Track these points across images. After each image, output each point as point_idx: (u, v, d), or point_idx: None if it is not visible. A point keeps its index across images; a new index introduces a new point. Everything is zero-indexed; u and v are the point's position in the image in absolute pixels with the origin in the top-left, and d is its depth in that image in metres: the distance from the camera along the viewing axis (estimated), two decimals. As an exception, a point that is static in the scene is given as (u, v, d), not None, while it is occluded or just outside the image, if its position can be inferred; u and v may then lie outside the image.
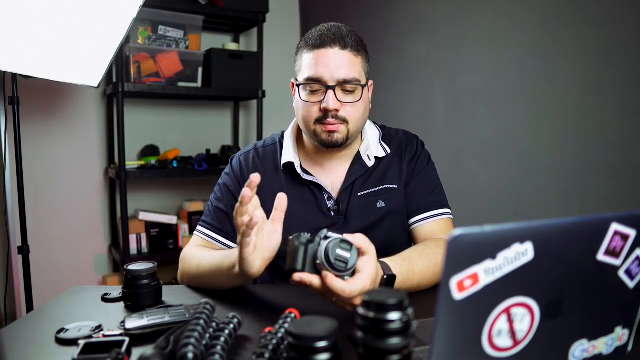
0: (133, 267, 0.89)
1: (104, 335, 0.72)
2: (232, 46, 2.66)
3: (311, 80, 1.01)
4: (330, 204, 1.10)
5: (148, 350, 0.59)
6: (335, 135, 1.03)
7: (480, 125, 1.95)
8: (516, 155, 1.81)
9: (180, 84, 2.44)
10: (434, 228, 1.09)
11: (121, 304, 0.90)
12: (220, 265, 0.90)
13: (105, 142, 2.56)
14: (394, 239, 1.11)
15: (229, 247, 1.09)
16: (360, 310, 0.53)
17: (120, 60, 2.28)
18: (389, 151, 1.13)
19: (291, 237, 0.76)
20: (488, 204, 1.92)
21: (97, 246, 2.58)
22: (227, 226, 1.09)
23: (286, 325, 0.66)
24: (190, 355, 0.58)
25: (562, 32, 1.63)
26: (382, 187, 1.11)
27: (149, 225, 2.46)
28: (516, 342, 0.48)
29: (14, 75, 1.78)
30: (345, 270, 0.72)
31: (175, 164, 2.46)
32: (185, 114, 2.75)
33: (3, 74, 1.81)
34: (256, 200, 0.79)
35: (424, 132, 1.31)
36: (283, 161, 1.11)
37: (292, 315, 0.69)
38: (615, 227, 0.50)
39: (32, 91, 2.23)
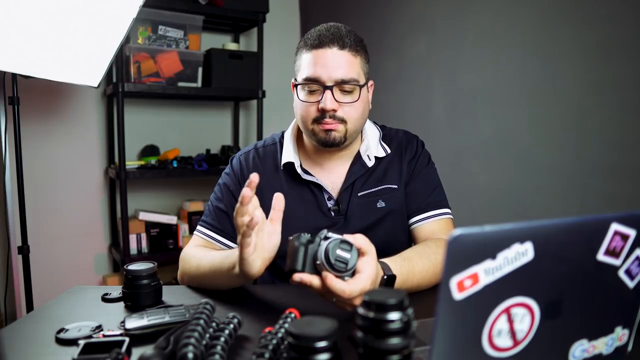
0: (133, 267, 0.89)
1: (104, 335, 0.72)
2: (232, 46, 2.66)
3: (309, 80, 1.01)
4: (330, 204, 1.10)
5: (148, 350, 0.59)
6: (333, 134, 1.03)
7: (480, 125, 1.95)
8: (516, 155, 1.81)
9: (180, 84, 2.44)
10: (434, 228, 1.09)
11: (121, 304, 0.90)
12: (221, 266, 0.90)
13: (105, 142, 2.56)
14: (394, 239, 1.11)
15: (229, 247, 1.09)
16: (360, 310, 0.53)
17: (120, 60, 2.28)
18: (389, 151, 1.13)
19: (291, 238, 0.76)
20: (488, 204, 1.92)
21: (97, 246, 2.58)
22: (227, 226, 1.09)
23: (286, 325, 0.66)
24: (190, 355, 0.58)
25: (562, 32, 1.63)
26: (382, 187, 1.11)
27: (149, 225, 2.46)
28: (516, 342, 0.48)
29: (14, 75, 1.78)
30: (345, 270, 0.72)
31: (175, 164, 2.46)
32: (185, 114, 2.75)
33: (3, 74, 1.81)
34: (255, 200, 0.79)
35: (424, 132, 1.31)
36: (283, 161, 1.11)
37: (292, 315, 0.69)
38: (615, 227, 0.50)
39: (32, 91, 2.23)
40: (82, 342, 0.67)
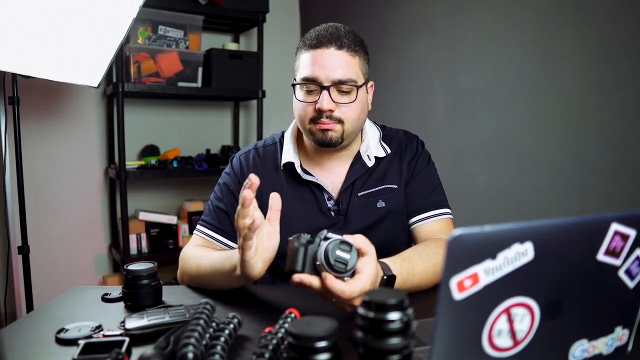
0: (133, 267, 0.89)
1: (104, 335, 0.72)
2: (232, 46, 2.66)
3: (307, 80, 1.01)
4: (330, 204, 1.10)
5: (148, 350, 0.59)
6: (330, 134, 1.03)
7: (480, 125, 1.95)
8: (516, 155, 1.81)
9: (180, 84, 2.44)
10: (434, 228, 1.09)
11: (121, 304, 0.90)
12: (221, 267, 0.90)
13: (105, 142, 2.56)
14: (394, 239, 1.11)
15: (229, 247, 1.09)
16: (360, 310, 0.53)
17: (120, 60, 2.28)
18: (389, 151, 1.13)
19: (291, 238, 0.76)
20: (488, 204, 1.92)
21: (97, 246, 2.58)
22: (227, 225, 1.09)
23: (286, 325, 0.66)
24: (190, 355, 0.58)
25: (562, 32, 1.63)
26: (382, 187, 1.11)
27: (149, 225, 2.47)
28: (516, 342, 0.48)
29: (14, 75, 1.78)
30: (345, 271, 0.72)
31: (175, 164, 2.46)
32: (185, 114, 2.75)
33: (3, 74, 1.81)
34: (254, 202, 0.79)
35: (424, 132, 1.30)
36: (283, 161, 1.11)
37: (292, 315, 0.69)
38: (615, 227, 0.50)
39: (32, 91, 2.23)
40: (82, 342, 0.67)
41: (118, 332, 0.73)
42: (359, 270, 0.73)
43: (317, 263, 0.73)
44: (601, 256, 0.50)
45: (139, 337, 0.72)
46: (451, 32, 2.06)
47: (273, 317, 0.72)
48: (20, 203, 1.83)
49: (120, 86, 2.22)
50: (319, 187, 1.10)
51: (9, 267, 2.00)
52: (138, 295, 0.88)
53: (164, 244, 2.50)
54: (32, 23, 1.59)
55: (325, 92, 0.99)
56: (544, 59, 1.70)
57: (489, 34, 1.90)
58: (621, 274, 0.52)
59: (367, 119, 1.16)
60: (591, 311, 0.52)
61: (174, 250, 2.49)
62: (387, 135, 1.17)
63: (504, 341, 0.47)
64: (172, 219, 2.50)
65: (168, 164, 2.46)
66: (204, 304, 0.70)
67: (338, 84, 1.00)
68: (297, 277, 0.73)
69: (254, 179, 0.75)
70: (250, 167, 1.13)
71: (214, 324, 0.68)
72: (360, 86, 1.03)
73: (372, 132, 1.15)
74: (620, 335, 0.55)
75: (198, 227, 1.11)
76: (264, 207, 0.81)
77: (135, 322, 0.74)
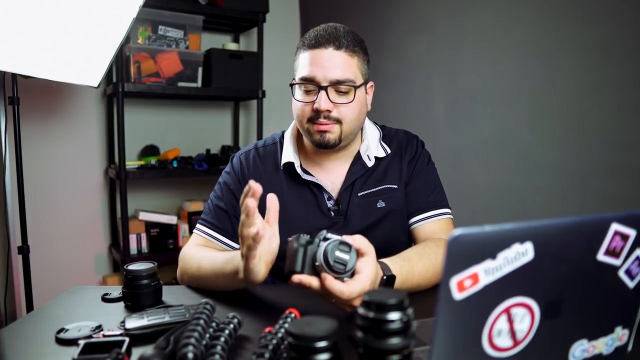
0: (133, 267, 0.89)
1: (104, 335, 0.72)
2: (232, 46, 2.66)
3: (305, 80, 1.01)
4: (330, 204, 1.10)
5: (148, 350, 0.59)
6: (327, 136, 1.03)
7: (480, 125, 1.95)
8: (516, 155, 1.81)
9: (180, 84, 2.44)
10: (434, 228, 1.09)
11: (121, 304, 0.90)
12: (223, 270, 0.89)
13: (105, 142, 2.56)
14: (394, 239, 1.11)
15: (229, 246, 1.09)
16: (360, 310, 0.53)
17: (120, 60, 2.28)
18: (389, 151, 1.13)
19: (290, 239, 0.76)
20: (488, 204, 1.92)
21: (97, 246, 2.58)
22: (227, 225, 1.09)
23: (286, 325, 0.66)
24: (190, 355, 0.58)
25: (562, 32, 1.63)
26: (382, 187, 1.10)
27: (149, 225, 2.47)
28: (516, 342, 0.48)
29: (14, 75, 1.78)
30: (344, 272, 0.72)
31: (175, 164, 2.46)
32: (185, 114, 2.75)
33: (3, 74, 1.81)
34: (257, 210, 0.78)
35: (424, 132, 1.30)
36: (283, 161, 1.11)
37: (292, 315, 0.69)
38: (615, 227, 0.50)
39: (32, 91, 2.23)
40: (82, 342, 0.67)
41: (118, 332, 0.73)
42: (359, 270, 0.73)
43: (317, 264, 0.73)
44: (601, 256, 0.50)
45: (139, 337, 0.72)
46: (451, 32, 2.06)
47: (273, 317, 0.72)
48: (20, 203, 1.83)
49: (120, 86, 2.22)
50: (319, 187, 1.10)
51: (9, 267, 2.00)
52: (138, 295, 0.88)
53: (164, 244, 2.50)
54: (32, 23, 1.59)
55: (323, 92, 0.99)
56: (544, 59, 1.70)
57: (489, 34, 1.90)
58: (621, 274, 0.52)
59: (367, 119, 1.16)
60: (591, 311, 0.52)
61: (174, 250, 2.49)
62: (387, 135, 1.17)
63: (504, 341, 0.47)
64: (172, 219, 2.50)
65: (168, 164, 2.46)
66: (204, 304, 0.70)
67: (336, 84, 1.00)
68: (296, 277, 0.73)
69: (254, 187, 0.73)
70: (250, 166, 1.13)
71: (214, 324, 0.68)
72: (359, 86, 1.02)
73: (372, 132, 1.15)
74: (620, 335, 0.55)
75: (198, 226, 1.11)
76: (263, 208, 0.81)
77: (135, 322, 0.74)
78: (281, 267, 0.80)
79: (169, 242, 2.51)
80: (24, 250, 1.85)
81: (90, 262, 2.57)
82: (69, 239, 2.47)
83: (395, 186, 1.11)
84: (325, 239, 0.74)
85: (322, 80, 0.99)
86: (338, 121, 1.02)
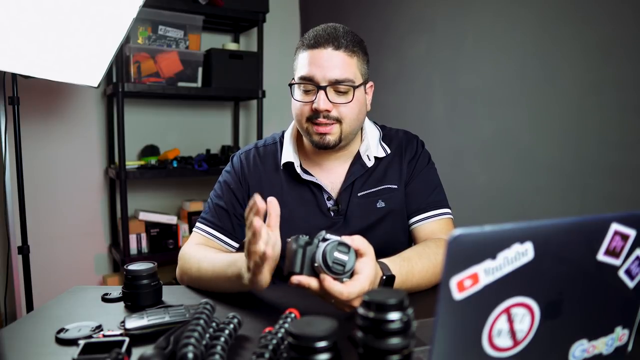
0: (133, 267, 0.89)
1: (104, 335, 0.72)
2: (232, 46, 2.66)
3: (304, 80, 1.01)
4: (329, 204, 1.10)
5: (148, 350, 0.59)
6: (327, 137, 1.03)
7: (480, 125, 1.95)
8: (516, 155, 1.81)
9: (180, 84, 2.44)
10: (434, 228, 1.09)
11: (121, 304, 0.90)
12: (224, 273, 0.89)
13: (105, 142, 2.56)
14: (393, 239, 1.11)
15: (228, 245, 1.10)
16: (360, 310, 0.53)
17: (120, 60, 2.28)
18: (389, 151, 1.13)
19: (289, 240, 0.76)
20: (488, 204, 1.92)
21: (97, 246, 2.58)
22: (227, 223, 1.09)
23: (286, 325, 0.66)
24: (190, 355, 0.58)
25: (562, 32, 1.63)
26: (382, 187, 1.10)
27: (149, 225, 2.47)
28: (516, 342, 0.48)
29: (14, 75, 1.78)
30: (343, 273, 0.72)
31: (175, 164, 2.46)
32: (185, 114, 2.75)
33: (3, 74, 1.81)
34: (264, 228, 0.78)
35: (424, 132, 1.30)
36: (283, 161, 1.11)
37: (292, 315, 0.69)
38: (615, 227, 0.50)
39: (32, 91, 2.23)
40: (82, 342, 0.67)
41: (118, 332, 0.73)
42: (358, 271, 0.73)
43: (315, 265, 0.73)
44: (601, 256, 0.50)
45: (139, 337, 0.72)
46: (451, 32, 2.06)
47: (273, 317, 0.72)
48: (20, 203, 1.83)
49: (120, 86, 2.22)
50: (319, 187, 1.10)
51: (9, 267, 2.00)
52: (138, 295, 0.88)
53: (164, 244, 2.50)
54: (32, 23, 1.59)
55: (322, 92, 0.99)
56: (544, 59, 1.70)
57: (489, 34, 1.90)
58: (621, 274, 0.52)
59: (367, 119, 1.16)
60: (591, 311, 0.52)
61: (174, 250, 2.49)
62: (387, 135, 1.17)
63: (504, 341, 0.47)
64: (172, 219, 2.50)
65: (168, 164, 2.46)
66: (204, 304, 0.70)
67: (335, 84, 1.00)
68: (295, 278, 0.73)
69: (259, 204, 0.73)
70: (250, 166, 1.13)
71: (214, 324, 0.68)
72: (358, 86, 1.02)
73: (372, 132, 1.15)
74: (620, 335, 0.55)
75: (198, 224, 1.11)
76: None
77: (135, 322, 0.74)
78: (281, 268, 0.80)
79: (169, 242, 2.51)
80: (24, 250, 1.85)
81: (90, 262, 2.57)
82: (69, 239, 2.47)
83: (395, 186, 1.11)
84: (324, 240, 0.73)
85: (321, 80, 0.99)
86: (338, 120, 1.02)
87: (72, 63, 1.71)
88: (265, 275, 0.78)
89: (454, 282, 0.42)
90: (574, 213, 1.59)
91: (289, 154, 1.10)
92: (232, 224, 1.10)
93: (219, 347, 0.61)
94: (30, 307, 1.84)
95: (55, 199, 2.42)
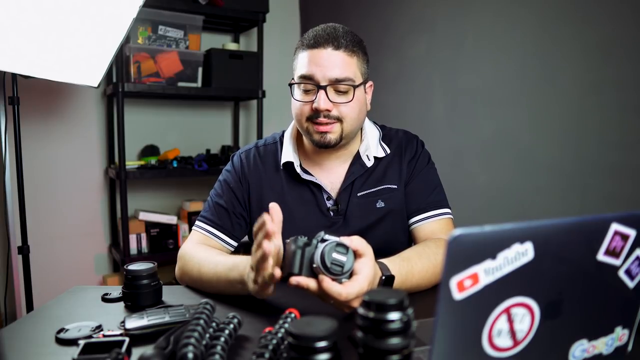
0: (133, 267, 0.89)
1: (104, 335, 0.72)
2: (232, 46, 2.66)
3: (304, 79, 1.01)
4: (329, 203, 1.10)
5: (148, 350, 0.59)
6: (328, 136, 1.03)
7: (480, 125, 1.95)
8: (516, 155, 1.81)
9: (180, 84, 2.44)
10: (434, 228, 1.09)
11: (121, 304, 0.90)
12: (226, 276, 0.89)
13: (105, 142, 2.56)
14: (393, 239, 1.11)
15: (227, 243, 1.10)
16: (360, 310, 0.53)
17: (120, 60, 2.28)
18: (388, 151, 1.13)
19: (288, 241, 0.76)
20: (488, 204, 1.92)
21: (97, 246, 2.58)
22: (226, 222, 1.09)
23: (286, 325, 0.66)
24: (190, 355, 0.58)
25: (562, 32, 1.63)
26: (382, 187, 1.10)
27: (149, 225, 2.47)
28: (516, 342, 0.48)
29: (14, 75, 1.78)
30: (341, 273, 0.72)
31: (175, 164, 2.46)
32: (185, 114, 2.75)
33: (3, 74, 1.81)
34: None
35: (424, 132, 1.30)
36: (283, 160, 1.11)
37: (292, 315, 0.69)
38: (615, 227, 0.50)
39: (32, 91, 2.23)
40: (82, 342, 0.67)
41: (118, 332, 0.73)
42: (357, 271, 0.73)
43: (314, 266, 0.73)
44: (601, 256, 0.50)
45: (139, 337, 0.72)
46: (451, 32, 2.06)
47: (273, 317, 0.72)
48: (20, 203, 1.83)
49: (120, 86, 2.22)
50: (319, 187, 1.10)
51: (9, 267, 2.00)
52: (138, 295, 0.88)
53: (164, 244, 2.50)
54: (32, 23, 1.59)
55: (322, 92, 0.99)
56: (544, 59, 1.70)
57: (489, 34, 1.90)
58: (621, 274, 0.52)
59: (367, 119, 1.16)
60: (591, 311, 0.52)
61: (174, 250, 2.49)
62: (387, 135, 1.17)
63: (504, 341, 0.47)
64: (172, 219, 2.50)
65: (168, 164, 2.46)
66: (204, 304, 0.70)
67: (335, 83, 1.00)
68: (294, 279, 0.73)
69: (270, 227, 0.73)
70: (250, 165, 1.13)
71: (214, 324, 0.68)
72: (358, 86, 1.02)
73: (371, 132, 1.15)
74: (620, 335, 0.55)
75: (197, 223, 1.11)
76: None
77: (135, 322, 0.74)
78: (281, 268, 0.80)
79: (169, 242, 2.51)
80: (24, 250, 1.85)
81: (90, 262, 2.57)
82: (69, 239, 2.47)
83: (395, 186, 1.11)
84: (323, 241, 0.73)
85: (321, 79, 0.99)
86: (338, 119, 1.02)
87: (72, 63, 1.71)
88: (272, 289, 0.78)
89: (454, 282, 0.42)
90: (574, 213, 1.59)
91: (288, 153, 1.10)
92: (232, 223, 1.10)
93: (219, 347, 0.61)
94: (30, 307, 1.84)
95: (55, 199, 2.42)
